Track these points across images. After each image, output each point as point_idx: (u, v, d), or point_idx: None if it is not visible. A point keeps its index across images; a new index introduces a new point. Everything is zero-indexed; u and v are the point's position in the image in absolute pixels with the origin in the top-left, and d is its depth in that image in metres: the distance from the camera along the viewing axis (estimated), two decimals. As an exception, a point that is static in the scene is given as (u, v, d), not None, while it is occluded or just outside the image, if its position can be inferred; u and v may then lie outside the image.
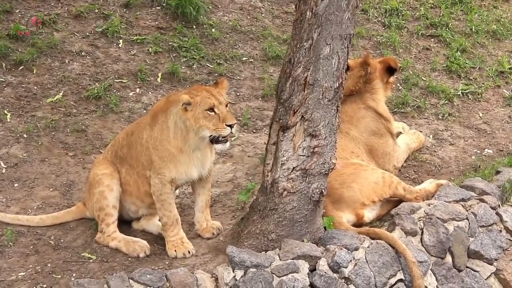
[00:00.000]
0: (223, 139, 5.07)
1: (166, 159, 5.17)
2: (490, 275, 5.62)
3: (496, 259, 5.64)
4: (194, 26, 8.09)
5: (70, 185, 6.02)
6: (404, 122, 7.15)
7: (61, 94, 6.90)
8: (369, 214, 5.67)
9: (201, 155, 5.26)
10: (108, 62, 7.37)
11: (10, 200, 5.75)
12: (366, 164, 5.91)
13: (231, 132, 5.05)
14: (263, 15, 8.64)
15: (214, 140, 5.08)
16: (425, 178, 6.31)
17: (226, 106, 5.10)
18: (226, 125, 5.00)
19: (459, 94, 7.85)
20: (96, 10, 7.91)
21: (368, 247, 5.15)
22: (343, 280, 4.96)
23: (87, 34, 7.63)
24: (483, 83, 8.09)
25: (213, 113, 5.02)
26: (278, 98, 5.12)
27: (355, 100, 6.25)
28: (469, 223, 5.63)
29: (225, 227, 5.55)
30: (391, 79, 6.48)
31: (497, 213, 5.83)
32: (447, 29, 8.86)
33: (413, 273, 5.08)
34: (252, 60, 7.91)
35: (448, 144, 7.02)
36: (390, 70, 6.38)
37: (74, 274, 4.94)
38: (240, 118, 7.03)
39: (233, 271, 4.76)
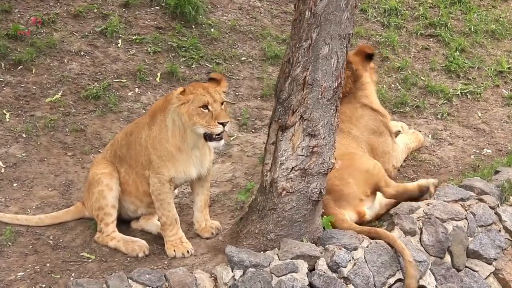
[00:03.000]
0: (216, 136, 5.05)
1: (165, 158, 5.17)
2: (489, 274, 5.62)
3: (495, 259, 5.65)
4: (193, 26, 8.09)
5: (69, 184, 6.01)
6: (403, 121, 7.15)
7: (60, 93, 6.90)
8: (369, 211, 5.67)
9: (200, 154, 5.25)
10: (107, 62, 7.37)
11: (9, 200, 5.75)
12: (361, 154, 5.92)
13: (224, 130, 5.03)
14: (262, 14, 8.64)
15: (207, 138, 5.07)
16: (424, 178, 6.30)
17: (222, 104, 5.09)
18: (218, 123, 4.99)
19: (458, 94, 7.85)
20: (95, 10, 7.91)
21: (367, 246, 5.15)
22: (342, 280, 4.96)
23: (86, 34, 7.62)
24: (482, 83, 8.09)
25: (206, 110, 5.01)
26: (277, 98, 5.11)
27: (350, 100, 6.26)
28: (468, 223, 5.63)
29: (224, 226, 5.55)
30: (371, 64, 6.51)
31: (496, 213, 5.83)
32: (446, 29, 8.86)
33: (407, 271, 5.05)
34: (251, 60, 7.91)
35: (447, 144, 7.02)
36: (368, 57, 6.41)
37: (73, 274, 4.93)
38: (239, 118, 7.03)
39: (232, 271, 4.76)
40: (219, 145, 5.14)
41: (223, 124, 5.00)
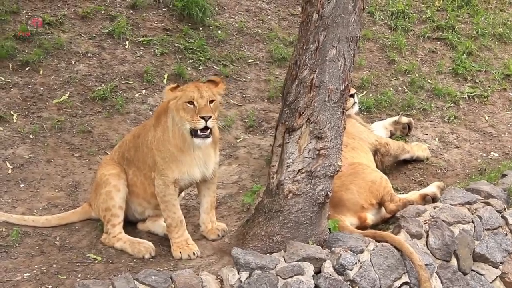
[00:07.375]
0: (201, 133, 5.00)
1: (168, 159, 5.17)
2: (496, 278, 5.62)
3: (501, 263, 5.64)
4: (200, 28, 8.10)
5: (76, 186, 6.03)
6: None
7: (67, 95, 6.92)
8: (372, 217, 5.66)
9: (203, 155, 5.23)
10: (114, 63, 7.38)
11: (16, 201, 5.77)
12: (366, 164, 5.91)
13: (207, 126, 4.97)
14: (269, 17, 8.64)
15: (193, 134, 5.04)
16: (430, 181, 6.30)
17: (211, 102, 5.05)
18: (200, 117, 4.95)
19: (465, 97, 7.84)
20: (103, 12, 7.93)
21: (373, 249, 5.14)
22: (348, 283, 4.95)
23: (94, 35, 7.64)
24: (489, 86, 8.08)
25: (192, 105, 5.01)
26: (284, 100, 5.12)
27: None
28: (475, 226, 5.62)
29: (230, 228, 5.55)
30: None
31: (503, 217, 5.82)
32: (453, 32, 8.85)
33: (419, 276, 5.07)
34: (258, 62, 7.92)
35: (454, 147, 7.01)
36: None
37: (79, 275, 4.94)
38: (246, 120, 7.03)
39: (238, 273, 4.76)
40: (204, 143, 5.06)
41: (205, 119, 4.96)
